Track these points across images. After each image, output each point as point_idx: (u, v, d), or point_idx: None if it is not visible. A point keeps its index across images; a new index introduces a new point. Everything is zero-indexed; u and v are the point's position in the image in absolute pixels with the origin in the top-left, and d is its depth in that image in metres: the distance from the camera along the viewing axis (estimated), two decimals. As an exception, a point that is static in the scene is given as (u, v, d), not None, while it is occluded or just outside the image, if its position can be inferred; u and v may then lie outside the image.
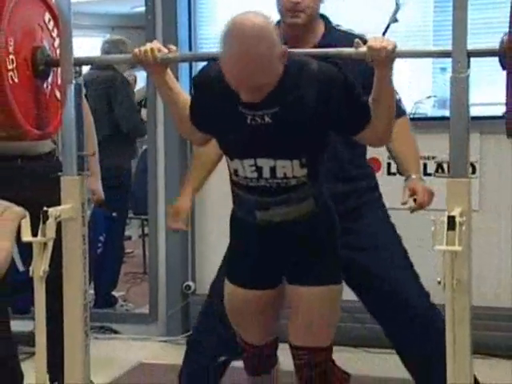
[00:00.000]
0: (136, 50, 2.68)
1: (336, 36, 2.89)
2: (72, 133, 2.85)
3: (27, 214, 2.25)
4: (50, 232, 2.59)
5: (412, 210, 3.09)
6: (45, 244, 2.59)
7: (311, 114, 2.52)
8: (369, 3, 4.48)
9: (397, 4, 4.01)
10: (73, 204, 2.81)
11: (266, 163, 2.58)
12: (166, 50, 2.67)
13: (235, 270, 2.83)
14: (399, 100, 3.30)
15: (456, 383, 2.48)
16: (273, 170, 2.58)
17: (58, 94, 2.94)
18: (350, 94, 2.57)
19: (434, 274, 2.49)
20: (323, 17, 3.22)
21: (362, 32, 3.15)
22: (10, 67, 2.67)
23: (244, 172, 2.62)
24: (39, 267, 2.59)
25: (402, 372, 3.37)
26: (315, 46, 3.07)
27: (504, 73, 2.43)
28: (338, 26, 3.21)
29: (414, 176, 3.15)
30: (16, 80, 2.70)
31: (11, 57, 2.68)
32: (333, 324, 2.77)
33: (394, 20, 4.11)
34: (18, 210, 1.35)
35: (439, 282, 2.40)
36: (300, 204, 2.64)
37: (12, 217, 1.29)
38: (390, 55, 2.48)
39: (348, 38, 2.70)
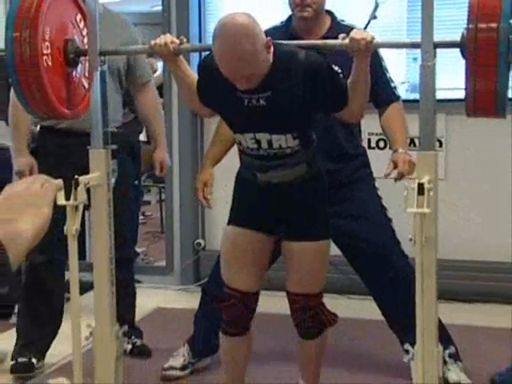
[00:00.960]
0: (152, 42, 2.67)
1: (340, 29, 2.88)
2: (98, 112, 2.83)
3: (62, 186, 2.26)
4: (81, 197, 2.58)
5: (395, 179, 3.08)
6: (76, 207, 2.58)
7: (299, 100, 2.53)
8: (351, 2, 4.44)
9: (376, 3, 3.98)
10: (99, 173, 2.80)
11: (263, 137, 2.58)
12: (177, 41, 2.65)
13: (236, 214, 2.80)
14: (395, 87, 3.32)
15: (423, 325, 2.50)
16: (269, 142, 2.59)
17: (85, 83, 2.92)
18: (332, 80, 2.58)
19: (406, 232, 2.51)
20: (330, 12, 3.22)
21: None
22: (45, 52, 2.66)
23: (246, 143, 2.63)
24: (72, 226, 2.59)
25: (378, 315, 3.39)
26: (322, 38, 3.08)
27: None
28: (343, 20, 3.22)
29: (399, 150, 3.15)
30: (50, 63, 2.69)
31: (46, 43, 2.67)
32: (322, 274, 2.76)
33: (374, 17, 4.09)
34: (56, 182, 1.34)
35: (410, 239, 2.41)
36: (294, 168, 2.65)
37: (51, 188, 1.28)
38: (369, 45, 2.48)
39: (348, 31, 2.68)
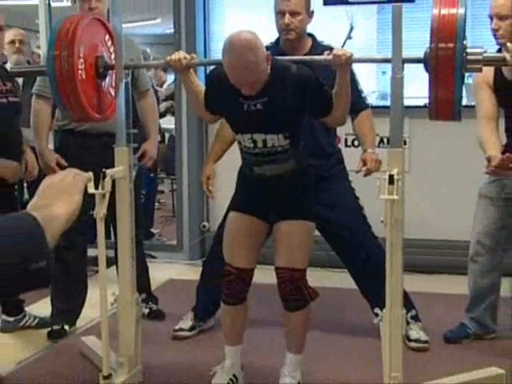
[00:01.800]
0: (168, 58, 2.66)
1: (320, 48, 2.89)
2: (122, 116, 2.82)
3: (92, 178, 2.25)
4: (108, 186, 2.57)
5: (364, 175, 3.08)
6: (104, 195, 2.57)
7: (291, 106, 2.51)
8: (330, 25, 4.41)
9: (351, 26, 3.98)
10: (123, 167, 2.79)
11: (259, 137, 2.57)
12: (189, 57, 2.65)
13: (238, 202, 2.78)
14: (365, 97, 3.30)
15: (391, 293, 2.50)
16: (264, 141, 2.57)
17: (112, 92, 2.92)
18: (319, 90, 2.56)
19: (375, 216, 2.51)
20: (311, 35, 3.21)
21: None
22: (80, 67, 2.68)
23: (244, 142, 2.61)
24: (100, 211, 2.57)
25: (352, 285, 3.39)
26: (305, 55, 3.06)
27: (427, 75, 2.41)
28: (322, 41, 3.20)
29: (368, 150, 3.14)
30: (84, 77, 2.71)
31: (81, 60, 2.69)
32: (306, 252, 2.70)
33: (349, 37, 4.09)
34: (86, 175, 1.34)
35: (382, 221, 2.41)
36: (285, 163, 2.63)
37: (82, 179, 1.28)
38: (348, 60, 2.47)
39: (327, 50, 2.67)
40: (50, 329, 3.47)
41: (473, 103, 4.35)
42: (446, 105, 2.39)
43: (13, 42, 4.41)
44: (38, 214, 1.07)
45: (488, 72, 2.98)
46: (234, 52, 2.38)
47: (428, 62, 2.36)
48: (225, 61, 2.41)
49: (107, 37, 2.89)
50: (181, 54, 2.65)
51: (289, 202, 2.68)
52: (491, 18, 2.99)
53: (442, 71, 2.33)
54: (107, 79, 2.87)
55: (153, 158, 3.72)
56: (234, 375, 2.83)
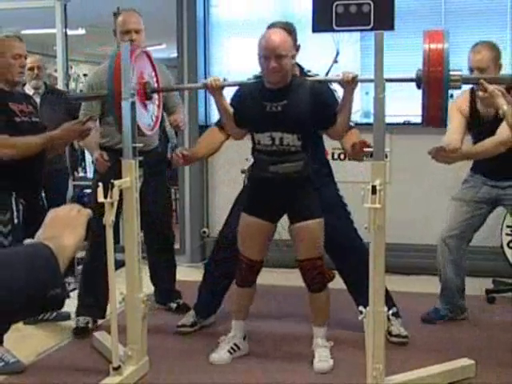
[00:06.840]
0: (205, 81, 2.85)
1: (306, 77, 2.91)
2: (129, 132, 2.81)
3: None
4: (116, 195, 2.56)
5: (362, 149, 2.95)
6: (112, 203, 2.55)
7: (304, 111, 2.71)
8: (317, 51, 4.40)
9: (337, 51, 3.97)
10: (130, 178, 2.78)
11: (277, 135, 2.75)
12: (221, 79, 2.81)
13: (251, 206, 2.91)
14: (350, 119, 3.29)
15: (374, 292, 2.47)
16: (281, 139, 2.75)
17: (155, 111, 3.10)
18: (329, 104, 2.77)
19: (361, 221, 2.48)
20: (298, 65, 3.20)
21: (315, 71, 3.21)
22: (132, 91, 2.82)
23: (264, 141, 2.77)
24: (109, 218, 2.56)
25: (340, 285, 3.36)
26: None
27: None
28: (309, 71, 3.19)
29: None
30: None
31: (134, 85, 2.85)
32: (321, 242, 2.87)
33: (335, 61, 4.07)
34: (88, 210, 1.29)
35: (366, 227, 2.38)
36: (295, 163, 2.78)
37: (84, 214, 1.23)
38: (355, 79, 2.62)
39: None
40: (75, 326, 3.41)
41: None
42: (436, 112, 2.54)
43: (32, 68, 4.41)
44: (52, 245, 1.06)
45: (464, 102, 3.26)
46: (271, 31, 2.69)
47: (420, 81, 2.52)
48: (260, 40, 2.66)
49: (150, 66, 3.08)
50: (214, 77, 2.84)
51: (301, 206, 2.82)
52: (471, 70, 3.13)
53: (433, 88, 2.49)
54: (152, 100, 3.03)
55: (184, 121, 3.71)
56: (235, 344, 3.04)
